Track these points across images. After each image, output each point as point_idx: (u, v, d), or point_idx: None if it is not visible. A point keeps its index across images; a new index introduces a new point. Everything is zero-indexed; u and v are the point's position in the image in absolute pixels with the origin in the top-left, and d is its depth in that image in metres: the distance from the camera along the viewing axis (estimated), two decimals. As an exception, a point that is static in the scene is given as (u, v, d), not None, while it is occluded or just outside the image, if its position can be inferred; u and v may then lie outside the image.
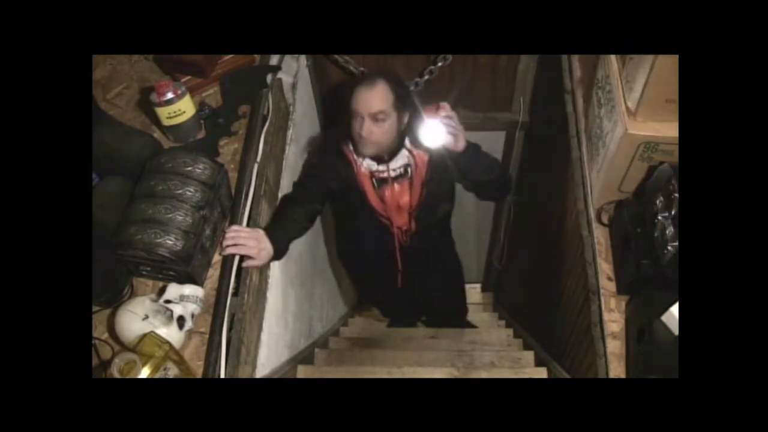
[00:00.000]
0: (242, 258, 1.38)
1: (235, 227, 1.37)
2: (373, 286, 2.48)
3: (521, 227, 2.77)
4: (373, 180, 1.65)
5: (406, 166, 1.63)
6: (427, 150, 1.58)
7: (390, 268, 1.93)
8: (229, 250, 1.34)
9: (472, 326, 2.95)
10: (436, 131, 1.47)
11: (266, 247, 1.39)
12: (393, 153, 1.60)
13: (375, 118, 1.48)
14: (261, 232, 1.40)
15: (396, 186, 1.66)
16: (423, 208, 1.70)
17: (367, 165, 1.62)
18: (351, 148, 1.61)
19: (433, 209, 1.75)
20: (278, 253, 1.44)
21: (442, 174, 1.65)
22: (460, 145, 1.51)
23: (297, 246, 2.04)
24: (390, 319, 3.08)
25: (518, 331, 2.74)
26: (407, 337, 2.81)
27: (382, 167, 1.62)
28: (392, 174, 1.63)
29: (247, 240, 1.35)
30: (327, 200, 1.70)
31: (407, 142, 1.60)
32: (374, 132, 1.50)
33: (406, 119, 1.55)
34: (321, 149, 1.73)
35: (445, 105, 1.47)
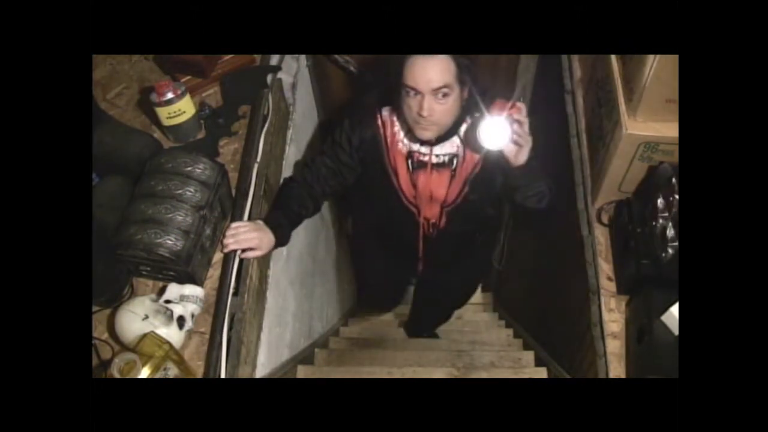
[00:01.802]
0: (242, 258, 1.38)
1: (234, 224, 1.37)
2: (385, 277, 2.24)
3: (521, 227, 2.76)
4: (409, 161, 1.43)
5: (452, 156, 1.40)
6: (479, 148, 1.31)
7: (409, 255, 1.73)
8: (231, 247, 1.34)
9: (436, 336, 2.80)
10: (498, 131, 1.20)
11: (267, 236, 1.38)
12: (443, 137, 1.37)
13: (437, 93, 1.24)
14: (260, 223, 1.39)
15: (434, 174, 1.43)
16: (460, 207, 1.48)
17: (406, 142, 1.41)
18: (386, 116, 1.41)
19: (471, 211, 1.52)
20: (280, 242, 1.42)
21: (491, 175, 1.41)
22: (521, 159, 1.25)
23: (297, 246, 2.05)
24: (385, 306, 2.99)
25: (518, 331, 2.74)
26: (407, 336, 2.81)
27: (424, 149, 1.40)
28: (434, 160, 1.40)
29: (246, 234, 1.34)
30: (341, 180, 1.51)
31: (462, 128, 1.37)
32: (436, 110, 1.26)
33: (467, 94, 1.32)
34: (344, 121, 1.47)
35: (522, 106, 1.23)
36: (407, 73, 1.24)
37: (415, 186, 1.46)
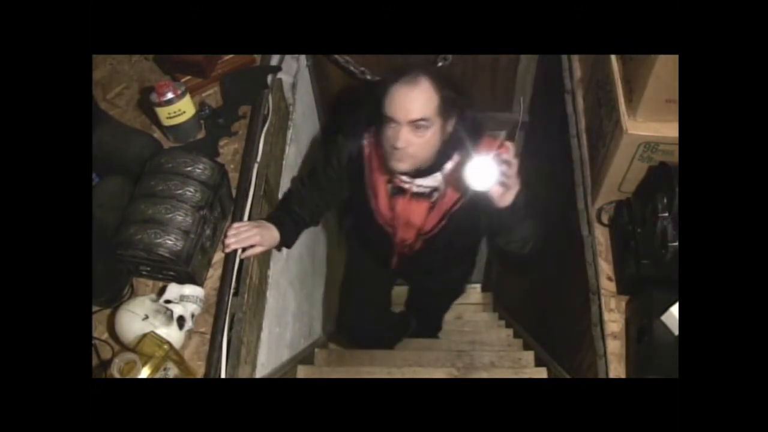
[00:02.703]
0: (243, 258, 1.38)
1: (235, 224, 1.38)
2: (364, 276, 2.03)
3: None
4: (389, 185, 1.40)
5: (433, 189, 1.37)
6: (463, 187, 1.24)
7: (384, 263, 1.69)
8: (233, 246, 1.35)
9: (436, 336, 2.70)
10: (485, 172, 1.13)
11: (269, 232, 1.40)
12: (425, 170, 1.32)
13: (415, 125, 1.20)
14: (262, 221, 1.41)
15: (413, 202, 1.39)
16: (437, 236, 1.45)
17: (388, 167, 1.36)
18: (372, 136, 1.37)
19: (448, 240, 1.48)
20: (285, 239, 1.45)
21: (472, 214, 1.37)
22: (506, 201, 1.18)
23: (297, 246, 2.04)
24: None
25: (518, 331, 2.74)
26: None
27: (406, 177, 1.36)
28: (414, 189, 1.37)
29: (247, 232, 1.36)
30: (335, 196, 1.55)
31: (448, 165, 1.32)
32: (413, 143, 1.22)
33: (450, 128, 1.27)
34: (338, 138, 1.46)
35: (509, 145, 1.16)
36: (387, 102, 1.21)
37: (392, 210, 1.43)
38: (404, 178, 1.35)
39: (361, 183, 1.42)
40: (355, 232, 1.81)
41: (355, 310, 2.19)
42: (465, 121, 1.28)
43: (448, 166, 1.32)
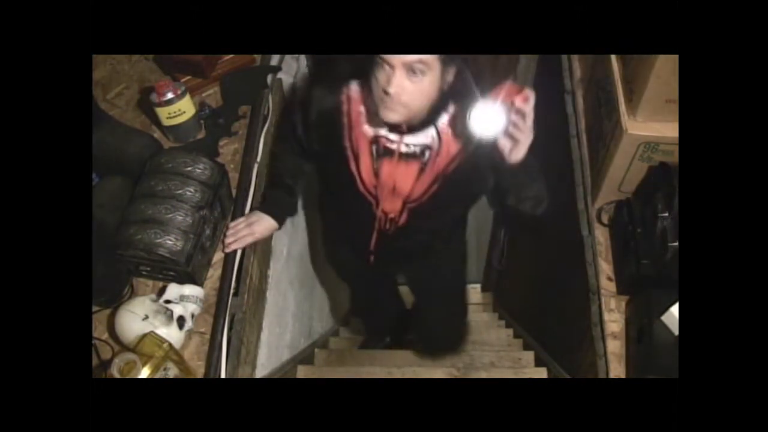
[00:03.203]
0: (243, 257, 1.39)
1: (231, 224, 1.39)
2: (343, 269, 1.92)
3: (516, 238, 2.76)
4: (374, 146, 1.22)
5: (425, 147, 1.20)
6: (464, 138, 1.13)
7: (360, 246, 1.48)
8: (233, 246, 1.37)
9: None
10: (493, 120, 1.00)
11: (263, 223, 1.39)
12: (417, 126, 1.17)
13: (411, 69, 1.05)
14: (255, 214, 1.40)
15: (402, 164, 1.22)
16: (425, 204, 1.28)
17: (373, 124, 1.21)
18: (354, 90, 1.22)
19: (437, 210, 1.32)
20: (284, 214, 1.44)
21: (469, 175, 1.22)
22: (517, 156, 1.05)
23: (297, 246, 2.05)
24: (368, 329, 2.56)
25: (518, 331, 2.74)
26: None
27: (393, 135, 1.20)
28: (403, 149, 1.20)
29: (244, 230, 1.38)
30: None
31: (444, 117, 1.17)
32: (407, 89, 1.07)
33: (450, 77, 1.11)
34: (306, 89, 1.28)
35: (529, 93, 1.00)
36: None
37: (377, 175, 1.25)
38: (392, 135, 1.20)
39: (335, 146, 1.25)
40: (327, 207, 1.59)
41: (364, 308, 2.25)
42: (470, 67, 1.15)
43: (444, 119, 1.17)
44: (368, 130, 1.21)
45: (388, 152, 1.22)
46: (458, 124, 1.15)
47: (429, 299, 1.90)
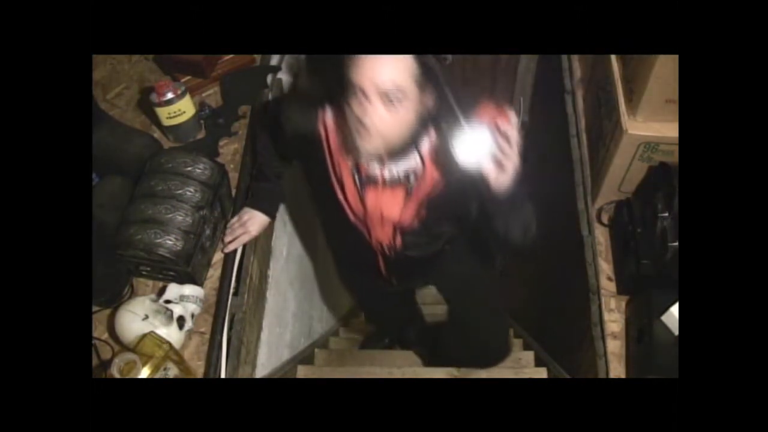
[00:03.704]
0: (243, 257, 1.39)
1: (228, 225, 1.41)
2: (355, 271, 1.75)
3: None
4: (356, 176, 1.15)
5: (408, 172, 1.13)
6: (448, 163, 1.03)
7: (374, 272, 1.42)
8: (231, 246, 1.38)
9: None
10: (477, 144, 0.92)
11: (256, 221, 1.40)
12: (398, 152, 1.09)
13: (387, 97, 0.98)
14: (246, 213, 1.40)
15: (387, 191, 1.15)
16: (416, 229, 1.22)
17: (351, 152, 1.12)
18: (330, 117, 1.13)
19: (429, 232, 1.26)
20: (273, 209, 1.44)
21: (455, 199, 1.15)
22: (503, 182, 0.96)
23: (297, 247, 2.05)
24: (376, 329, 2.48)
25: (518, 331, 2.74)
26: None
27: (374, 163, 1.13)
28: (386, 174, 1.13)
29: (240, 229, 1.39)
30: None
31: (424, 143, 1.09)
32: (384, 119, 1.00)
33: (429, 101, 1.04)
34: (282, 107, 1.22)
35: (509, 114, 0.93)
36: (353, 66, 0.99)
37: (363, 204, 1.18)
38: (373, 163, 1.12)
39: (320, 172, 1.17)
40: (329, 236, 1.54)
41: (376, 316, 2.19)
42: (449, 89, 1.04)
43: (425, 142, 1.10)
44: (348, 158, 1.14)
45: (372, 179, 1.15)
46: (441, 148, 1.07)
47: (464, 297, 1.68)
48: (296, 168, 1.40)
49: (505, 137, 0.92)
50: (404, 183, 1.15)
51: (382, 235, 1.25)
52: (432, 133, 1.09)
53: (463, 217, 1.26)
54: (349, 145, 1.09)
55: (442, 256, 1.39)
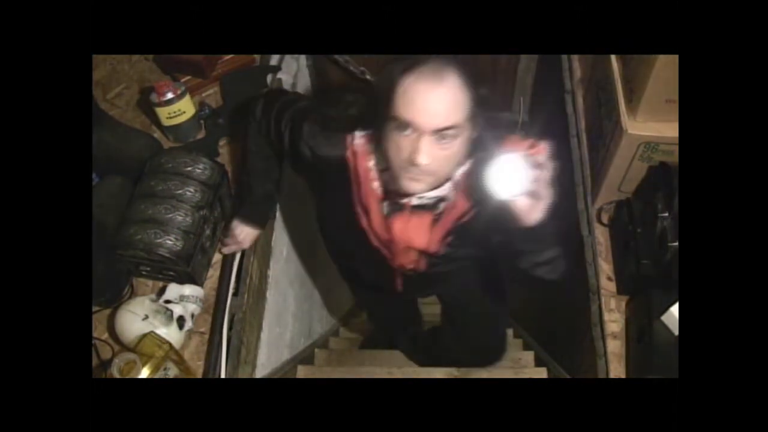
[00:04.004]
0: (243, 257, 1.39)
1: (222, 242, 1.42)
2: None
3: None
4: (384, 203, 1.09)
5: (438, 199, 1.07)
6: (480, 192, 0.95)
7: (384, 288, 1.38)
8: (230, 249, 1.40)
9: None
10: (509, 175, 0.87)
11: (246, 234, 1.39)
12: (437, 185, 1.04)
13: (441, 135, 0.91)
14: (236, 225, 1.38)
15: (414, 218, 1.09)
16: (442, 254, 1.16)
17: (382, 184, 1.07)
18: (360, 144, 1.06)
19: (455, 257, 1.19)
20: (264, 220, 1.42)
21: (484, 227, 1.08)
22: (534, 217, 0.91)
23: (297, 247, 2.05)
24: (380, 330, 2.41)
25: (518, 331, 2.74)
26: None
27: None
28: (415, 201, 1.07)
29: (232, 245, 1.40)
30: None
31: (459, 172, 1.03)
32: (436, 157, 0.93)
33: (476, 134, 0.98)
34: (305, 123, 1.12)
35: (543, 147, 0.88)
36: (400, 101, 0.91)
37: (389, 231, 1.12)
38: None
39: (342, 197, 1.12)
40: (339, 257, 1.47)
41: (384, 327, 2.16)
42: (482, 126, 1.00)
43: (460, 171, 1.04)
44: (377, 189, 1.08)
45: (399, 206, 1.09)
46: (474, 177, 1.00)
47: (468, 301, 1.65)
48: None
49: (541, 170, 0.87)
50: (432, 210, 1.09)
51: (406, 260, 1.20)
52: (467, 161, 1.03)
53: (490, 247, 1.17)
54: (384, 171, 1.04)
55: (462, 271, 1.34)
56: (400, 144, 0.93)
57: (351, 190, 1.10)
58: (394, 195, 1.07)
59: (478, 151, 1.00)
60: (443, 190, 1.05)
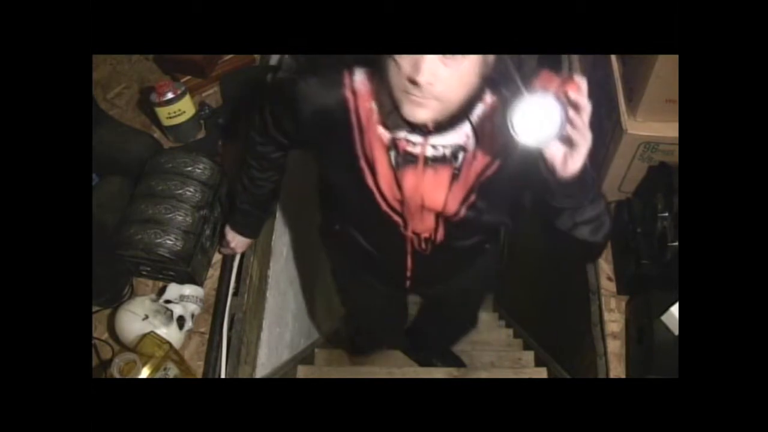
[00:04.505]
0: (243, 257, 1.39)
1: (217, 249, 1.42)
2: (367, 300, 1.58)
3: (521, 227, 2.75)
4: (392, 152, 0.95)
5: (457, 149, 0.93)
6: (506, 137, 0.76)
7: (392, 273, 1.25)
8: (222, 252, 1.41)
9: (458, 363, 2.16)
10: (544, 119, 0.73)
11: (239, 243, 1.38)
12: (446, 122, 0.89)
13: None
14: (228, 231, 1.36)
15: (429, 172, 0.95)
16: (465, 218, 1.01)
17: (388, 124, 0.94)
18: (360, 81, 0.95)
19: (480, 222, 1.03)
20: (256, 231, 1.40)
21: (513, 182, 0.94)
22: (572, 167, 0.78)
23: (297, 246, 2.05)
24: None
25: (518, 331, 2.74)
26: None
27: (415, 136, 0.92)
28: (429, 152, 0.94)
29: (227, 247, 1.39)
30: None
31: (479, 109, 0.90)
32: (441, 77, 0.80)
33: (491, 60, 0.87)
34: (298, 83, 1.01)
35: (581, 82, 0.74)
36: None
37: (400, 188, 0.98)
38: (413, 137, 0.92)
39: (343, 153, 0.98)
40: (340, 238, 1.21)
41: (372, 335, 2.10)
42: (505, 57, 0.88)
43: (479, 111, 0.91)
44: (383, 133, 0.95)
45: (411, 158, 0.95)
46: (497, 120, 0.87)
47: (450, 303, 1.58)
48: (295, 167, 1.39)
49: (577, 109, 0.73)
50: (450, 162, 0.95)
51: (421, 226, 1.05)
52: (488, 100, 0.90)
53: (520, 207, 1.04)
54: (391, 113, 0.90)
55: (482, 256, 1.23)
56: (401, 64, 0.81)
57: (353, 140, 0.96)
58: (402, 143, 0.94)
59: (500, 88, 0.89)
60: (460, 136, 0.92)
